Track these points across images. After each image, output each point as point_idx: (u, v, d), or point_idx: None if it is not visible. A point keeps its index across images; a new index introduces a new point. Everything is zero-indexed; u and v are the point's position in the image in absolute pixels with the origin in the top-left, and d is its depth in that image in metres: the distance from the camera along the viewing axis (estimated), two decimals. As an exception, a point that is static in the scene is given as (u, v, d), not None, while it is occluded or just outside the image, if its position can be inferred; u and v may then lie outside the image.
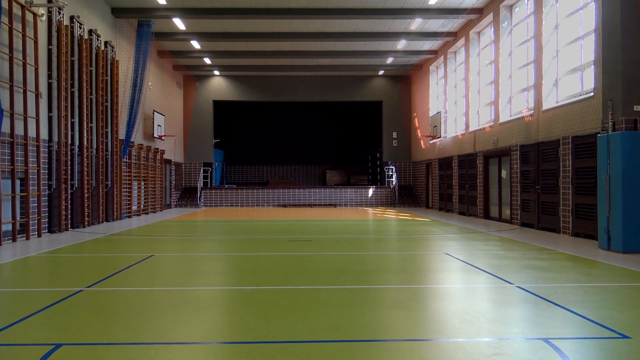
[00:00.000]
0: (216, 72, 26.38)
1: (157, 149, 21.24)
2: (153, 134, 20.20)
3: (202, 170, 26.29)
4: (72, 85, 13.63)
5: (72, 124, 13.60)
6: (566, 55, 12.64)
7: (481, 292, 5.87)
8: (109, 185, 16.06)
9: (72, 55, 13.64)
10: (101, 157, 15.34)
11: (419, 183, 25.78)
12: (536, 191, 13.32)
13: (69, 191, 13.31)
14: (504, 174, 15.83)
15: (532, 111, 13.67)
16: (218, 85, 27.12)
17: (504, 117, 15.73)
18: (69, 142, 13.38)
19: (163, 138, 21.55)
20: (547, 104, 13.04)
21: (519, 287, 6.01)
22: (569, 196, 11.70)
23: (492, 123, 16.55)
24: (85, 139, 14.19)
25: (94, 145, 14.93)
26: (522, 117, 14.23)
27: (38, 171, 11.64)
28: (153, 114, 20.22)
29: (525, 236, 11.66)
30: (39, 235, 11.63)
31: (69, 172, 13.29)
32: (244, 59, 23.19)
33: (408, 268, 7.44)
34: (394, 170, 26.32)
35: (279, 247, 9.73)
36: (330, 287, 6.04)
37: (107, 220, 15.93)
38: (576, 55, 12.19)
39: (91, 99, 14.76)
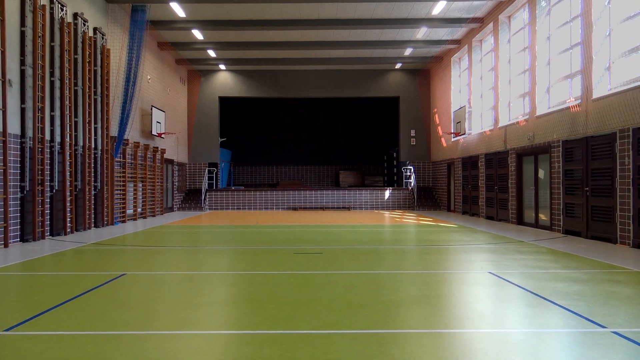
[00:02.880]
0: (222, 67, 24.74)
1: (157, 147, 19.65)
2: (151, 131, 18.60)
3: (207, 170, 24.68)
4: (52, 74, 12.05)
5: (52, 117, 12.02)
6: (621, 35, 10.74)
7: (567, 344, 4.05)
8: (99, 187, 14.46)
9: (52, 40, 12.06)
10: (88, 155, 13.74)
11: (440, 184, 23.88)
12: (584, 194, 11.41)
13: (47, 194, 11.72)
14: (541, 173, 13.93)
15: (579, 101, 11.77)
16: (224, 81, 25.49)
17: (541, 109, 13.83)
18: (48, 138, 11.80)
19: (163, 136, 19.96)
20: (598, 92, 11.13)
21: (616, 333, 4.20)
22: (629, 200, 9.80)
23: (527, 116, 14.64)
24: (67, 134, 12.60)
25: (80, 142, 13.33)
26: (566, 109, 12.32)
27: (5, 171, 10.03)
28: (151, 109, 18.63)
29: (576, 247, 9.78)
30: (6, 246, 10.00)
31: (47, 172, 11.71)
32: (250, 50, 21.51)
33: (447, 297, 5.65)
34: (412, 170, 24.45)
35: (282, 263, 7.98)
36: (345, 331, 4.28)
37: (96, 226, 14.33)
38: (635, 33, 10.28)
39: (76, 90, 13.17)
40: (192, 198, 24.16)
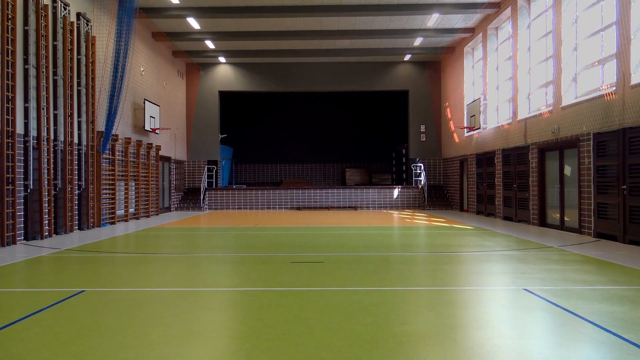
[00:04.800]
0: (222, 59, 23.54)
1: (151, 144, 18.49)
2: (144, 126, 17.44)
3: (206, 168, 23.52)
4: (26, 62, 10.89)
5: (26, 109, 10.87)
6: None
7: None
8: (83, 186, 13.31)
9: (26, 23, 10.91)
10: (70, 151, 12.59)
11: (451, 182, 22.56)
12: (621, 192, 10.10)
13: (21, 194, 10.57)
14: (567, 170, 12.61)
15: (614, 88, 10.44)
16: (224, 74, 24.30)
17: (567, 99, 12.50)
18: (20, 131, 10.65)
19: (157, 131, 18.80)
20: (638, 77, 9.81)
21: None
22: (678, 200, 8.49)
23: (550, 108, 13.32)
24: (44, 128, 11.45)
25: (60, 137, 12.18)
26: (598, 98, 10.99)
27: (-35, 168, 8.91)
28: (144, 103, 17.46)
29: (616, 254, 8.48)
30: (-33, 252, 8.88)
31: (21, 170, 10.56)
32: (250, 41, 20.30)
33: (479, 329, 4.40)
34: (422, 168, 23.14)
35: (275, 276, 6.76)
36: (346, 388, 3.05)
37: (80, 229, 13.19)
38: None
39: (55, 80, 12.01)
40: (190, 197, 23.01)
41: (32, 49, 11.04)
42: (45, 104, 11.48)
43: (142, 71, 18.08)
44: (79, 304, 5.19)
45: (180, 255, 8.71)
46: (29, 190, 10.87)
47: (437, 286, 6.08)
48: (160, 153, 19.87)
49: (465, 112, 20.03)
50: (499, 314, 4.86)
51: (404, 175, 25.47)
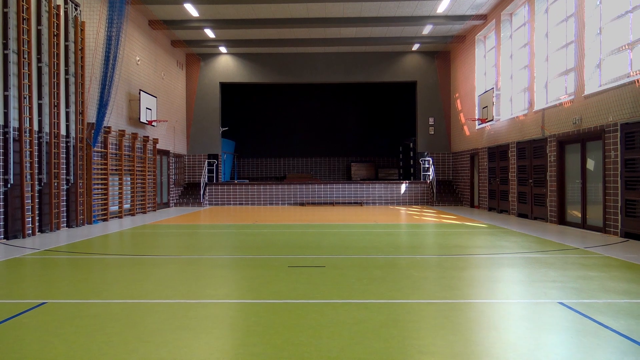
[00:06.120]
0: (223, 49, 22.66)
1: (148, 137, 17.68)
2: (140, 118, 16.62)
3: (206, 162, 22.70)
4: (6, 46, 10.09)
5: (6, 98, 10.07)
6: None
7: None
8: (72, 181, 12.53)
9: (5, 5, 10.10)
10: (56, 144, 11.79)
11: (461, 177, 21.62)
12: (653, 189, 9.18)
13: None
14: (590, 164, 11.67)
15: (646, 73, 9.51)
16: (225, 65, 23.43)
17: (591, 88, 11.56)
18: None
19: (154, 124, 17.97)
20: (673, 61, 8.88)
21: None
22: None
23: (571, 97, 12.37)
24: (26, 119, 10.64)
25: (45, 129, 11.38)
26: (627, 84, 10.03)
27: None
28: (139, 94, 16.64)
29: (652, 258, 7.59)
30: None
31: (-1, 164, 9.81)
32: (251, 29, 19.40)
33: None
34: (430, 162, 22.21)
35: (269, 284, 5.93)
36: None
37: (68, 226, 12.42)
38: None
39: (39, 67, 11.20)
40: (190, 193, 22.22)
41: (12, 33, 10.23)
42: (27, 92, 10.68)
43: (138, 60, 17.25)
44: (31, 321, 4.37)
45: (167, 258, 7.89)
46: (9, 185, 10.09)
47: (457, 298, 5.22)
48: (158, 146, 19.09)
49: (476, 104, 19.09)
50: (535, 338, 3.99)
51: (412, 169, 24.55)
